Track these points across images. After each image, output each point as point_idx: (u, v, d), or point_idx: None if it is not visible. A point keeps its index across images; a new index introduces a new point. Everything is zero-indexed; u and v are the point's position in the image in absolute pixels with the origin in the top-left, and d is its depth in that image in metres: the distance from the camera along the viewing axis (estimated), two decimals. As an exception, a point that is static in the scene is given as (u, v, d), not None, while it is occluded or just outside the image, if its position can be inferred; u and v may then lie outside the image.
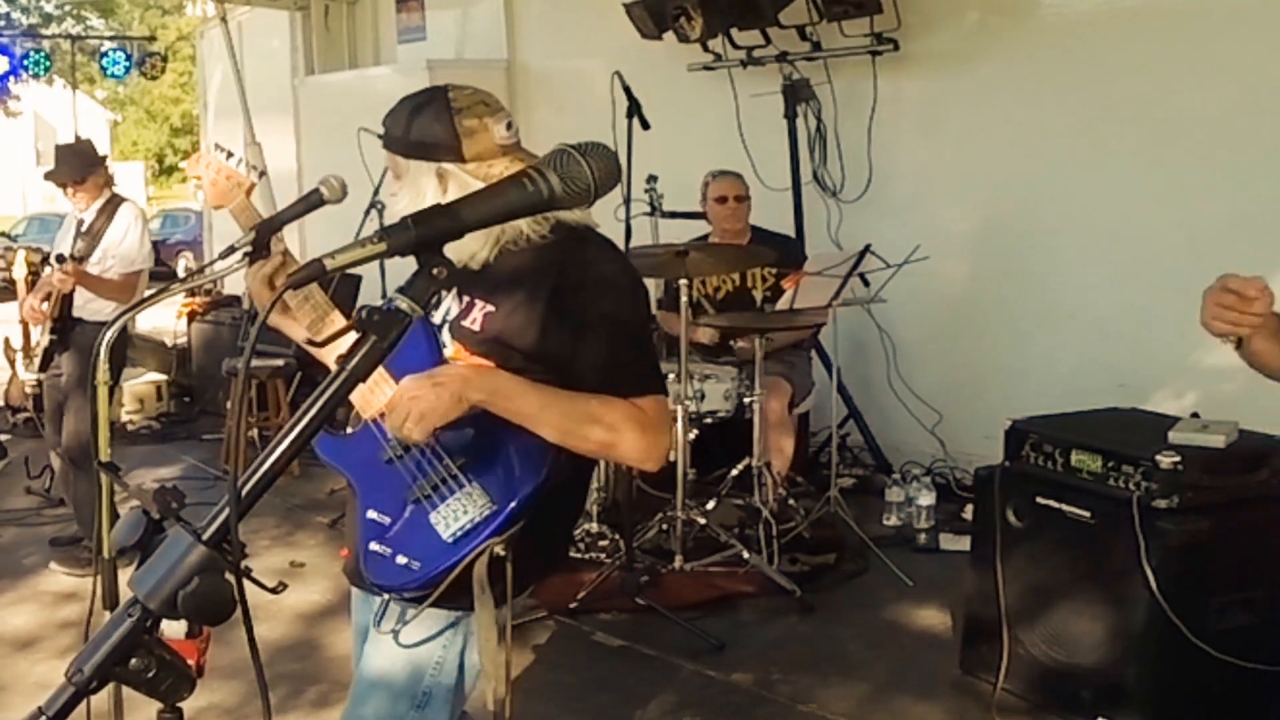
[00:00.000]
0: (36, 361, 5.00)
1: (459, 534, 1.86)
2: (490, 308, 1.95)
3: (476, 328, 1.96)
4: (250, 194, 2.30)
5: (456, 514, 1.87)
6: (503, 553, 1.85)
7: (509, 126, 2.00)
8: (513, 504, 1.86)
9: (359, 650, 2.15)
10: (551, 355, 1.91)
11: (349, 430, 2.05)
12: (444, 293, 2.02)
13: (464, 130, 1.96)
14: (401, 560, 1.89)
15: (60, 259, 4.81)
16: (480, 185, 1.93)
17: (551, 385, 1.89)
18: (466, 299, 1.99)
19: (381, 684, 2.02)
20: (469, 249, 1.92)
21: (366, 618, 2.11)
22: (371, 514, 1.96)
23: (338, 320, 2.11)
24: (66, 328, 4.90)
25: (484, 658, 1.93)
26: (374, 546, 1.93)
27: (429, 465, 1.91)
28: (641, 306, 2.04)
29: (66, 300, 4.86)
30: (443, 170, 1.96)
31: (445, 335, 1.99)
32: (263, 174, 2.40)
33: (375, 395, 1.95)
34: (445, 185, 1.96)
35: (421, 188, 1.97)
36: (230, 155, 2.32)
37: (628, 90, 5.18)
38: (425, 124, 1.98)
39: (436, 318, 2.03)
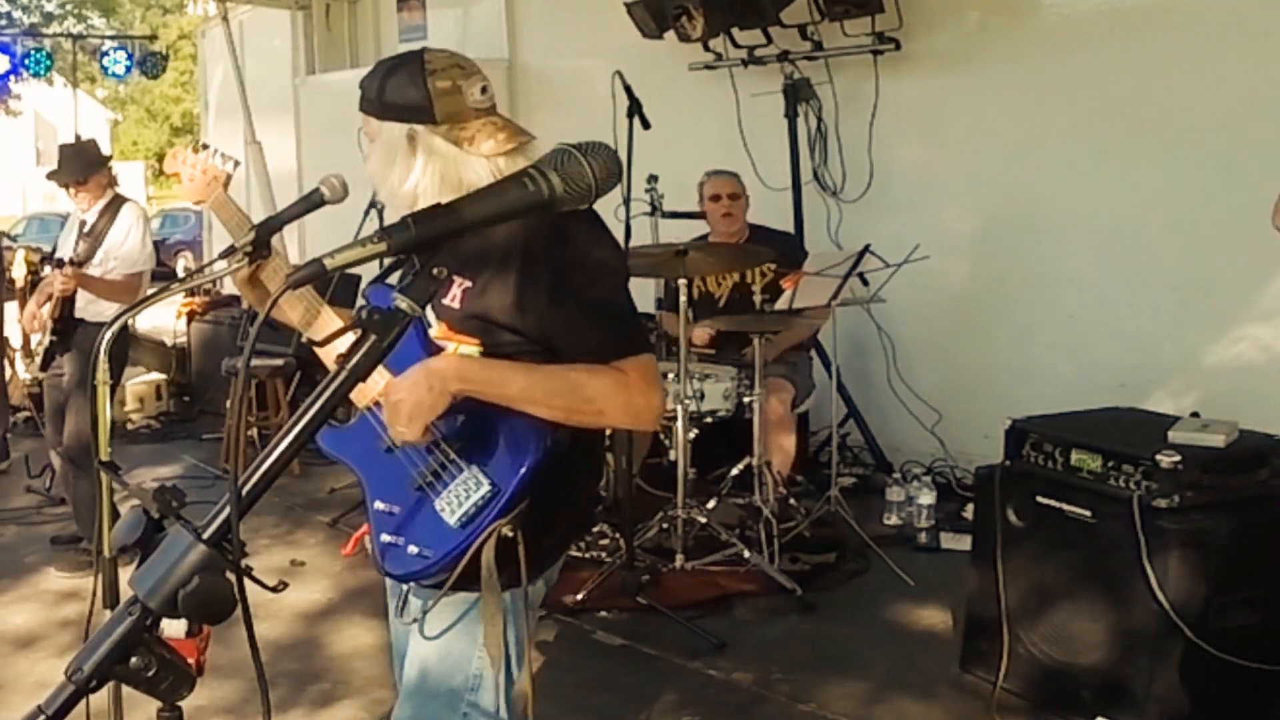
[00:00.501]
0: (38, 361, 5.01)
1: (465, 519, 1.86)
2: (468, 283, 1.95)
3: (457, 305, 1.95)
4: (227, 186, 2.30)
5: (460, 499, 1.87)
6: (511, 534, 1.85)
7: (484, 90, 1.99)
8: (514, 484, 1.85)
9: (399, 641, 2.16)
10: (532, 326, 1.91)
11: (349, 422, 2.05)
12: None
13: (436, 92, 1.95)
14: (413, 550, 1.90)
15: (61, 263, 4.81)
16: (450, 147, 1.95)
17: (536, 356, 1.89)
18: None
19: (431, 675, 2.02)
20: None
21: (398, 605, 2.13)
22: (379, 505, 1.96)
23: (328, 315, 2.12)
24: (68, 328, 4.90)
25: (489, 643, 1.93)
26: (386, 538, 1.94)
27: (427, 452, 1.92)
28: (617, 268, 2.00)
29: (68, 301, 4.86)
30: (414, 132, 1.97)
31: (429, 315, 1.98)
32: (237, 164, 2.39)
33: (369, 383, 1.95)
34: (415, 147, 1.97)
35: (392, 149, 1.98)
36: (205, 147, 2.32)
37: (628, 90, 5.18)
38: (398, 85, 1.98)
39: None
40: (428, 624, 1.99)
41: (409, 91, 1.96)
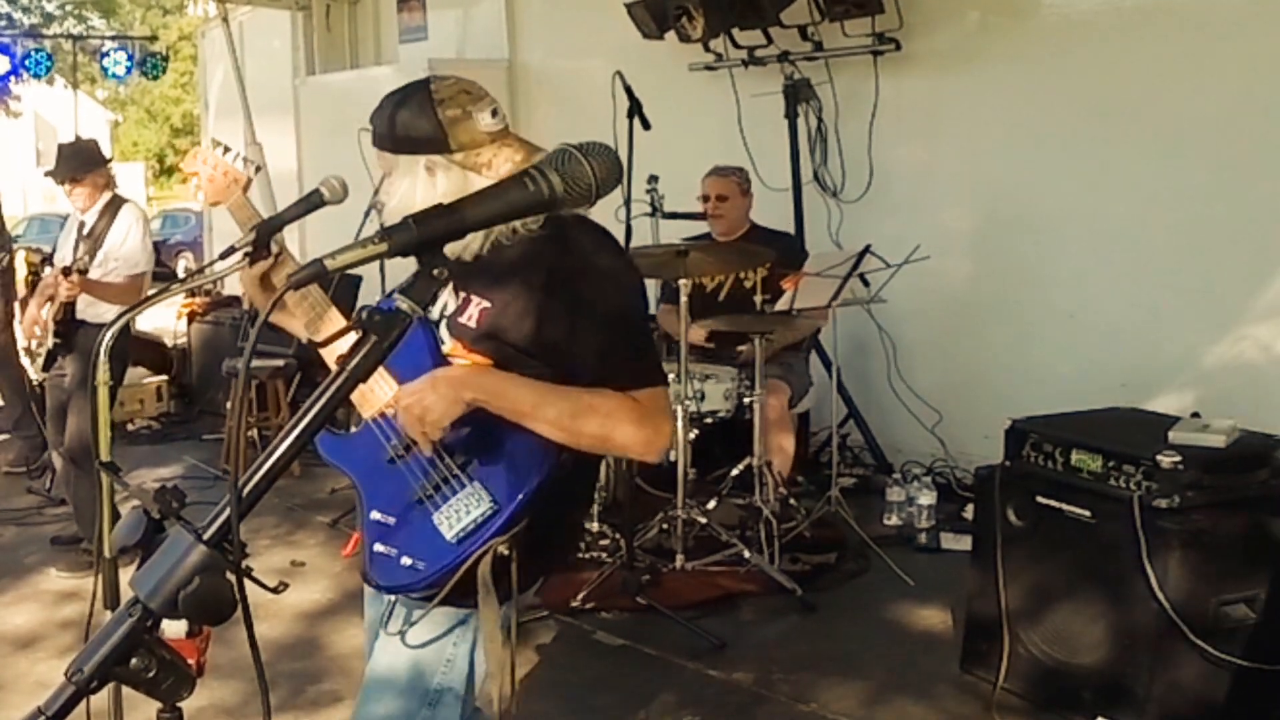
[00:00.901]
0: (40, 362, 5.00)
1: (462, 534, 1.86)
2: (486, 303, 1.95)
3: (473, 324, 1.95)
4: (247, 190, 2.30)
5: (459, 514, 1.87)
6: (506, 552, 1.85)
7: (494, 113, 1.99)
8: (515, 503, 1.85)
9: (370, 648, 2.15)
10: (548, 349, 1.91)
11: (351, 429, 2.05)
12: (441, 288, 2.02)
13: (447, 121, 1.95)
14: (406, 561, 1.90)
15: (67, 271, 4.79)
16: (469, 175, 1.95)
17: (549, 379, 1.89)
18: (463, 294, 1.99)
19: (392, 684, 2.02)
20: (461, 241, 1.93)
21: (378, 614, 2.11)
22: (375, 514, 1.96)
23: (335, 317, 2.12)
24: (69, 330, 4.90)
25: (489, 657, 1.94)
26: (379, 548, 1.94)
27: (430, 465, 1.91)
28: (636, 296, 2.02)
29: (69, 304, 4.85)
30: (431, 163, 1.96)
31: (443, 331, 1.99)
32: (259, 168, 2.42)
33: (375, 393, 1.95)
34: (434, 178, 1.96)
35: (412, 182, 1.98)
36: (227, 150, 2.32)
37: (629, 90, 5.18)
38: (409, 119, 1.97)
39: (434, 313, 2.02)
40: (410, 635, 2.00)
41: (420, 123, 1.96)
